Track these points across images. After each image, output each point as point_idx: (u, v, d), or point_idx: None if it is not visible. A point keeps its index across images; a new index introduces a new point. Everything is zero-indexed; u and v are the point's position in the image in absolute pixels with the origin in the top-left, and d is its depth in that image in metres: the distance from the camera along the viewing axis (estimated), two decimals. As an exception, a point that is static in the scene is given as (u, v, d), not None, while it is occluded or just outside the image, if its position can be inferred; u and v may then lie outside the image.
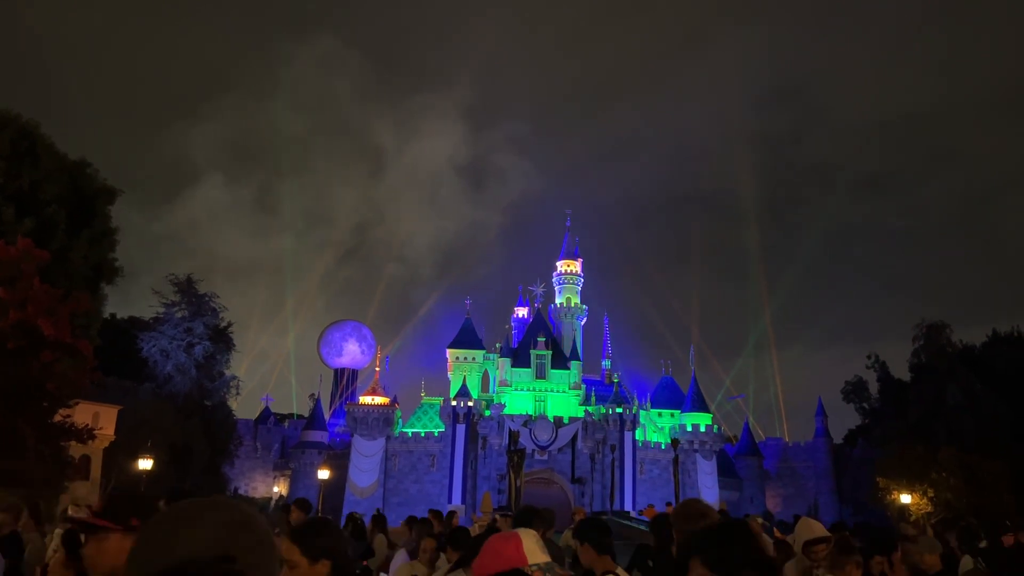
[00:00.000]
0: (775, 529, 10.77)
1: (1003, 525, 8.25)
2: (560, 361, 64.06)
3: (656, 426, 64.04)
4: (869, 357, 64.94)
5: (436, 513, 11.27)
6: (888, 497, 47.93)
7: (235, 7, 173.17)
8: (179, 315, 52.12)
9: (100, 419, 32.85)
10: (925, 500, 45.83)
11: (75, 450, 26.88)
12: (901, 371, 62.85)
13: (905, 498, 44.44)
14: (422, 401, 65.84)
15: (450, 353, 66.73)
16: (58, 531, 8.70)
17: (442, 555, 7.06)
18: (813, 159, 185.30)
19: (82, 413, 26.78)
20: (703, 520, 4.90)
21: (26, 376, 19.87)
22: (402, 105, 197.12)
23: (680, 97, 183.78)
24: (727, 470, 65.28)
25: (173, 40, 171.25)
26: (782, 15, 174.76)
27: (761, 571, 2.31)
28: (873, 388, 65.47)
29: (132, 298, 61.29)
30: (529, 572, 2.30)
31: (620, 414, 59.36)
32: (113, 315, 54.68)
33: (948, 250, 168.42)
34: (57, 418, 22.38)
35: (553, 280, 71.35)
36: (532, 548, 2.40)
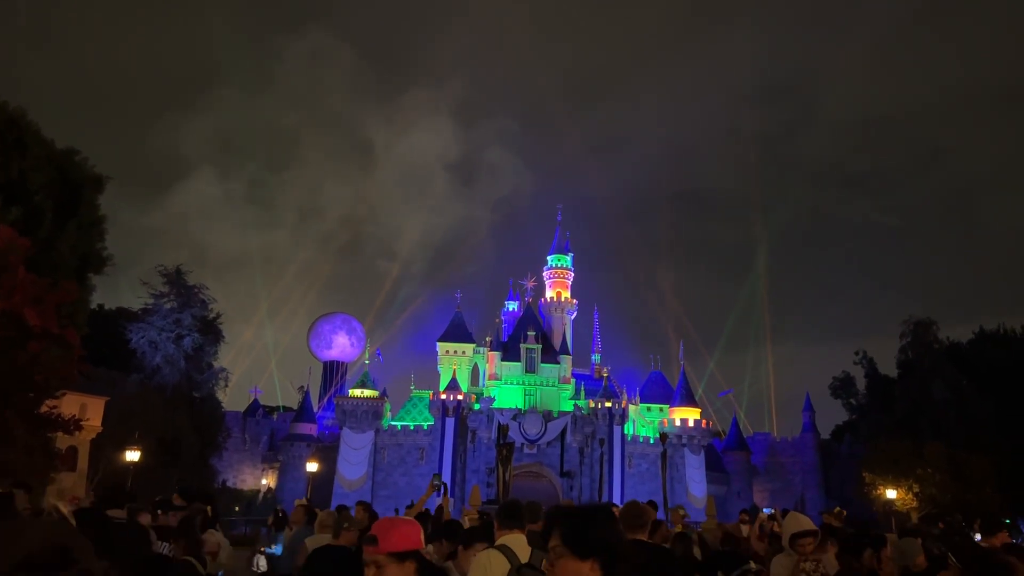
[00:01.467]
0: (773, 524, 10.85)
1: (998, 522, 8.28)
2: (550, 355, 64.15)
3: (645, 420, 64.26)
4: (857, 353, 65.46)
5: (366, 505, 11.21)
6: (874, 492, 48.29)
7: (227, 0, 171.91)
8: (168, 306, 51.80)
9: (87, 410, 32.67)
10: (911, 495, 46.21)
11: (62, 441, 26.70)
12: (889, 367, 63.35)
13: (891, 493, 44.79)
14: (411, 394, 65.83)
15: (440, 346, 66.72)
16: None
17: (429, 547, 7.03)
18: (804, 156, 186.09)
19: (69, 404, 26.55)
20: (641, 519, 5.68)
21: (12, 366, 19.69)
22: (393, 101, 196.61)
23: (671, 94, 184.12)
24: (715, 464, 65.60)
25: (165, 33, 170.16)
26: (774, 13, 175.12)
27: (603, 553, 2.41)
28: (861, 384, 65.97)
29: (121, 290, 60.96)
30: (424, 553, 2.99)
31: (609, 408, 59.50)
32: (101, 306, 54.35)
33: (937, 248, 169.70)
34: (43, 409, 22.19)
35: (543, 274, 71.42)
36: (424, 535, 3.05)
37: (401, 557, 2.88)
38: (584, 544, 2.39)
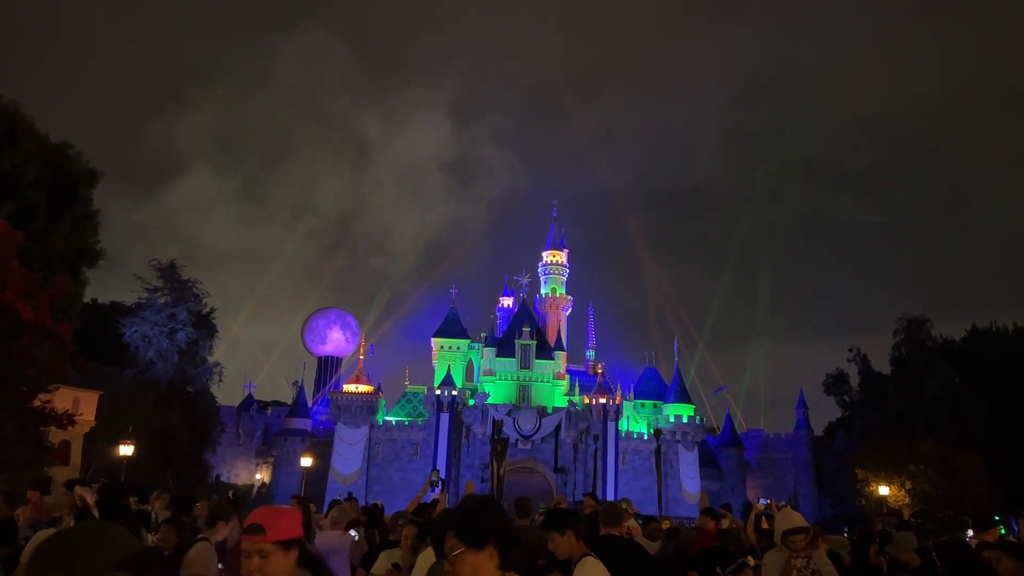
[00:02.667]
0: (763, 519, 10.90)
1: (989, 520, 8.37)
2: (544, 351, 64.17)
3: (639, 416, 64.37)
4: (851, 350, 65.59)
5: (299, 499, 11.13)
6: (867, 489, 48.44)
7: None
8: (162, 300, 51.67)
9: (80, 404, 32.60)
10: (903, 492, 46.37)
11: (55, 435, 26.65)
12: (882, 365, 63.54)
13: (883, 490, 44.95)
14: (406, 390, 65.78)
15: (435, 342, 66.67)
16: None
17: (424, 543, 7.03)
18: (796, 155, 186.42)
19: (62, 398, 26.50)
20: (618, 516, 6.52)
21: (5, 361, 19.63)
22: (389, 98, 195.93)
23: (664, 91, 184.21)
24: (708, 461, 65.77)
25: (160, 30, 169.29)
26: (766, 11, 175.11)
27: (498, 538, 2.50)
28: (854, 381, 66.14)
29: (115, 284, 60.78)
30: (303, 541, 2.95)
31: (603, 404, 59.59)
32: (95, 300, 54.16)
33: (930, 246, 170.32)
34: (36, 403, 22.14)
35: (539, 270, 71.40)
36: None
37: (287, 545, 2.84)
38: (478, 533, 2.48)
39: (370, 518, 10.71)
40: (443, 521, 2.57)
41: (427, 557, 4.70)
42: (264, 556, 2.79)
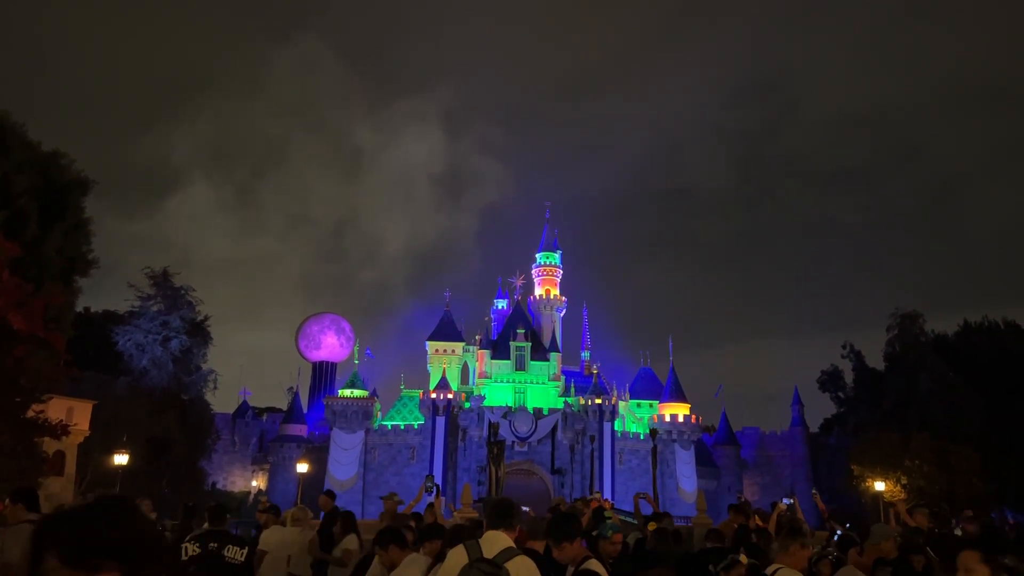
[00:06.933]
0: (755, 517, 10.90)
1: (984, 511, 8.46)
2: (539, 353, 64.17)
3: (635, 416, 64.40)
4: (844, 347, 65.76)
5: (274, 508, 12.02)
6: (863, 484, 48.56)
7: (216, 8, 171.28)
8: (155, 308, 51.44)
9: (74, 414, 32.39)
10: (899, 487, 46.49)
11: (49, 445, 26.49)
12: (876, 360, 63.74)
13: (879, 485, 45.05)
14: (401, 394, 65.68)
15: (430, 345, 66.59)
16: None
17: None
18: (788, 153, 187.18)
19: (56, 408, 26.35)
20: (540, 527, 5.95)
21: (-2, 371, 19.52)
22: (381, 109, 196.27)
23: (655, 92, 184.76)
24: (705, 459, 65.85)
25: (154, 42, 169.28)
26: (757, 12, 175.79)
27: (128, 561, 1.68)
28: (849, 377, 66.32)
29: (110, 294, 60.50)
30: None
31: (599, 405, 59.61)
32: (87, 309, 53.94)
33: (922, 241, 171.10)
34: (30, 413, 22.00)
35: (532, 272, 71.40)
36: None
37: None
38: (91, 552, 1.68)
39: (185, 511, 12.33)
40: (46, 536, 1.72)
41: (452, 559, 4.56)
42: None
